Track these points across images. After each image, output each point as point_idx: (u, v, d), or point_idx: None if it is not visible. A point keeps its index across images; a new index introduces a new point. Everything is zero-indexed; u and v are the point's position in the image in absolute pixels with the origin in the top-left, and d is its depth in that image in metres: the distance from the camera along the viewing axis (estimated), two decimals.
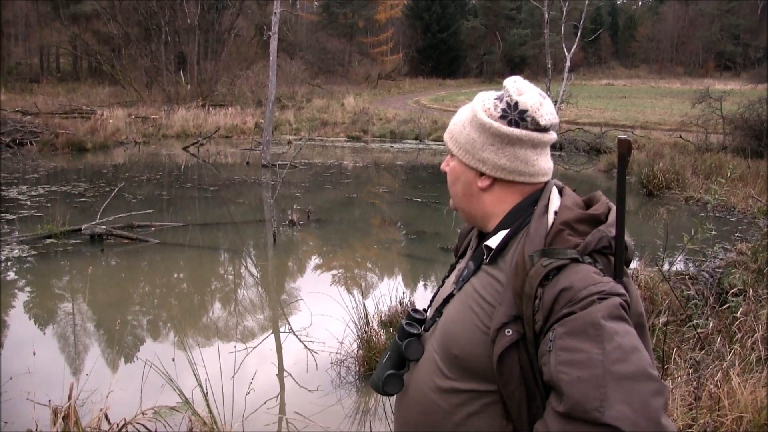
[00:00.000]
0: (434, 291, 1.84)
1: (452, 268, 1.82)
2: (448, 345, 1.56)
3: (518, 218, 1.60)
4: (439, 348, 1.60)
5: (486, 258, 1.60)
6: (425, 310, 1.79)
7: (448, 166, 1.70)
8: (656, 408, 1.25)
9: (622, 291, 1.39)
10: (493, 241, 1.59)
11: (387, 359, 1.69)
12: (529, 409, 1.43)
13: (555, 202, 1.59)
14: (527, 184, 1.61)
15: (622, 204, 1.49)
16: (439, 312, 1.67)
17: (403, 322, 1.72)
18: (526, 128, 1.57)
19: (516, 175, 1.60)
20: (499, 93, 1.63)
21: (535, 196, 1.61)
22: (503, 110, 1.59)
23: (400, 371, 1.67)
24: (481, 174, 1.62)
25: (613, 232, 1.48)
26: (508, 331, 1.42)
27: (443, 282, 1.81)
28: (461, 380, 1.53)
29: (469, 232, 1.86)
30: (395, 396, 1.70)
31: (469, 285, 1.60)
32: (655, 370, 1.31)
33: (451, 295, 1.65)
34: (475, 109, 1.62)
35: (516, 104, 1.58)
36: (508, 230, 1.59)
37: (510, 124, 1.57)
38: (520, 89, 1.59)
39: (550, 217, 1.55)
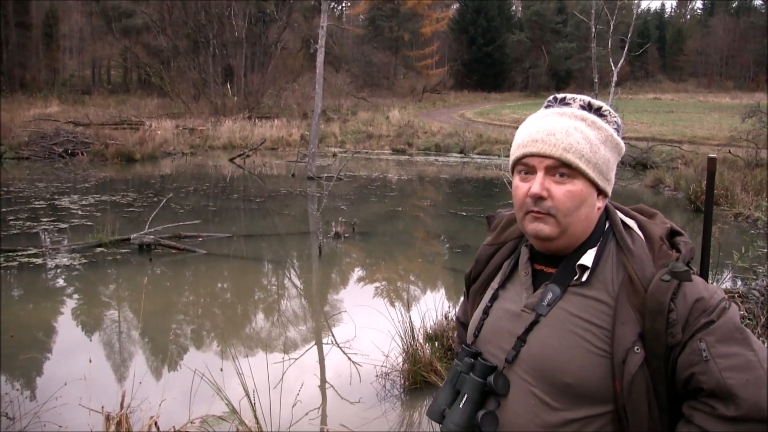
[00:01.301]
0: (478, 320, 1.71)
1: (494, 295, 1.71)
2: (555, 375, 1.49)
3: (600, 235, 1.60)
4: (537, 380, 1.53)
5: (580, 278, 1.55)
6: (473, 343, 1.69)
7: (545, 189, 1.53)
8: None
9: None
10: (586, 260, 1.56)
11: (466, 401, 1.57)
12: (649, 422, 1.46)
13: (625, 218, 1.63)
14: None
15: (709, 217, 1.56)
16: (522, 341, 1.57)
17: (470, 359, 1.62)
18: None
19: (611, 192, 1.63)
20: (581, 111, 1.58)
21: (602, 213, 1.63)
22: (616, 130, 1.60)
23: (490, 409, 1.56)
24: (599, 193, 1.58)
25: (691, 242, 1.56)
26: (637, 349, 1.44)
27: (485, 312, 1.70)
28: (573, 409, 1.49)
29: (491, 257, 1.81)
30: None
31: (559, 310, 1.54)
32: None
33: (535, 322, 1.56)
34: (605, 128, 1.57)
35: (620, 124, 1.62)
36: (595, 248, 1.58)
37: None
38: None
39: (638, 232, 1.58)
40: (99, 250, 9.64)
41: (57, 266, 8.97)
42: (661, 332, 1.43)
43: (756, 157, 21.70)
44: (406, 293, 8.83)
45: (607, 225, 1.62)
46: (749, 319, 5.68)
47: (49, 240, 10.39)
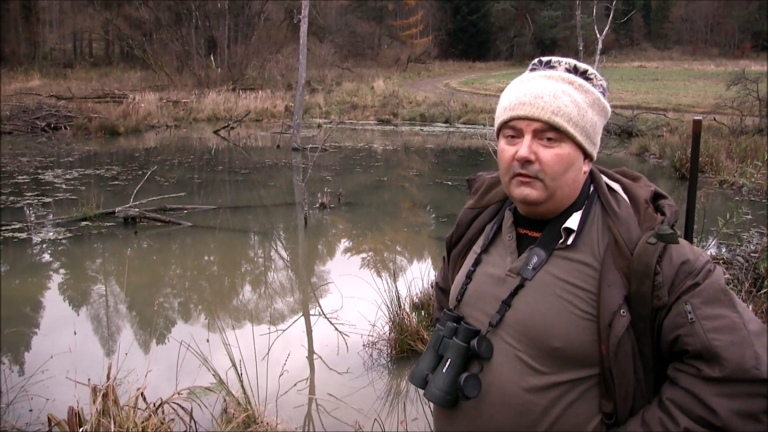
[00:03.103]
0: (461, 285, 1.71)
1: (477, 260, 1.70)
2: (542, 339, 1.49)
3: (586, 199, 1.59)
4: (523, 344, 1.53)
5: (565, 241, 1.55)
6: (456, 308, 1.69)
7: (533, 153, 1.51)
8: None
9: None
10: (571, 224, 1.56)
11: (449, 366, 1.56)
12: (635, 384, 1.47)
13: (610, 182, 1.63)
14: None
15: (694, 179, 1.57)
16: (507, 305, 1.56)
17: (453, 323, 1.61)
18: None
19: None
20: (568, 74, 1.56)
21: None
22: (602, 93, 1.58)
23: (473, 372, 1.55)
24: (586, 157, 1.58)
25: (675, 205, 1.56)
26: (623, 312, 1.44)
27: (468, 276, 1.69)
28: (558, 372, 1.49)
29: (472, 221, 1.79)
30: (467, 400, 1.55)
31: (544, 273, 1.53)
32: None
33: (520, 286, 1.55)
34: (593, 91, 1.56)
35: (606, 88, 1.60)
36: (581, 211, 1.57)
37: None
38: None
39: (623, 195, 1.58)
40: (84, 224, 9.60)
41: (42, 241, 8.93)
42: (647, 295, 1.43)
43: (741, 125, 21.75)
44: (392, 263, 8.85)
45: (592, 188, 1.61)
46: (734, 285, 5.74)
47: (33, 214, 10.32)
